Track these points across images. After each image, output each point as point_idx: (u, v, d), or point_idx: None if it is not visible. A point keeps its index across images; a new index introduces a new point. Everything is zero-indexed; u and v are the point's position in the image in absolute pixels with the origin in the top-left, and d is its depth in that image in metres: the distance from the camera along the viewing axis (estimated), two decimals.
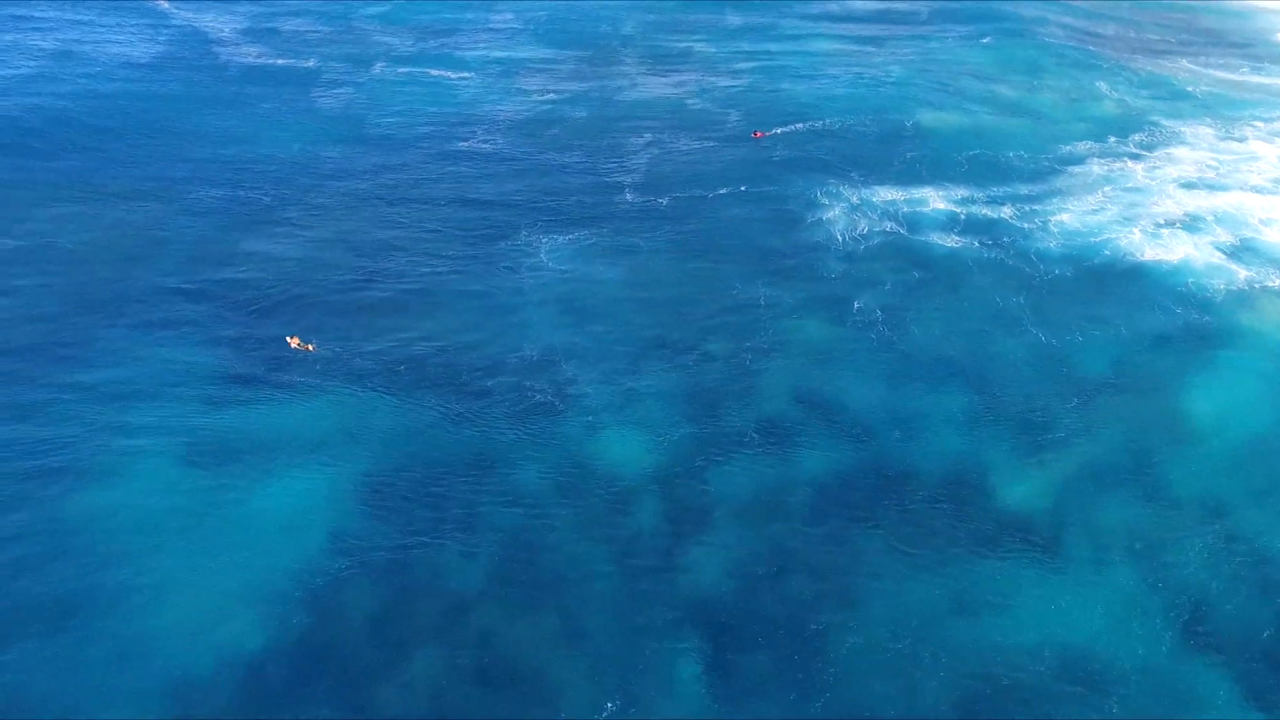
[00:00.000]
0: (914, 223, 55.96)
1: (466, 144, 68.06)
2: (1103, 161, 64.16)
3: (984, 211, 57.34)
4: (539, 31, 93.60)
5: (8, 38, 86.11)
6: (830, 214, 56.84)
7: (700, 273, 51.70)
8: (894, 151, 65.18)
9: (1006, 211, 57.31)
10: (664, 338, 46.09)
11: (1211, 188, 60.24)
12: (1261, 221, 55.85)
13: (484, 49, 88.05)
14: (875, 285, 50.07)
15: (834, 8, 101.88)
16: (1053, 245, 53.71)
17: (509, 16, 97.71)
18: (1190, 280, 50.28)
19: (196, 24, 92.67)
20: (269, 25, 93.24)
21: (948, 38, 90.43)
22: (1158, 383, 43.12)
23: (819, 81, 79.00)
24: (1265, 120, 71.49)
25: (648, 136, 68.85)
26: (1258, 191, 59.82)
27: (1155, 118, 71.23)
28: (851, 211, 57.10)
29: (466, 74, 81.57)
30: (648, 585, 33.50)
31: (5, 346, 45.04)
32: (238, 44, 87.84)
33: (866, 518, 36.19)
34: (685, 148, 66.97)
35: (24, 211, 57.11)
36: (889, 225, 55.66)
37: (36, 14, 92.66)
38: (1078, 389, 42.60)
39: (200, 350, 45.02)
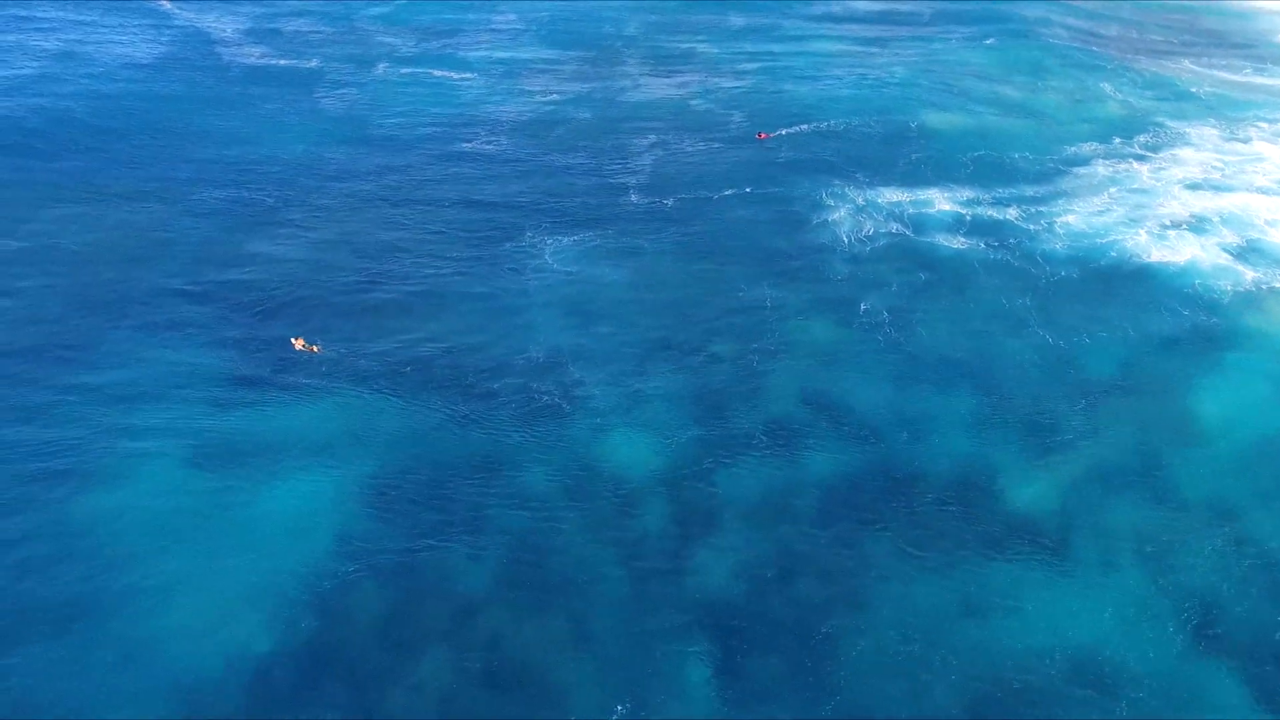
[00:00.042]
0: (919, 224, 55.89)
1: (470, 145, 67.95)
2: (1108, 163, 64.08)
3: (989, 213, 57.26)
4: (541, 32, 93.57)
5: (10, 38, 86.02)
6: (835, 215, 56.76)
7: (706, 274, 51.60)
8: (898, 153, 65.10)
9: (1012, 213, 57.24)
10: (670, 339, 45.99)
11: (1217, 189, 60.17)
12: (1267, 222, 55.76)
13: (486, 50, 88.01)
14: (881, 287, 49.99)
15: (836, 9, 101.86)
16: (1059, 247, 53.63)
17: (511, 17, 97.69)
18: (1197, 281, 50.19)
19: (199, 25, 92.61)
20: (271, 26, 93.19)
21: (951, 39, 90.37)
22: (1165, 384, 43.02)
23: (822, 83, 78.93)
24: (1269, 121, 71.44)
25: (652, 138, 68.76)
26: (1263, 192, 59.72)
27: (1159, 119, 71.16)
28: (857, 213, 57.01)
29: (469, 75, 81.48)
30: (656, 588, 33.40)
31: (9, 348, 44.89)
32: (240, 45, 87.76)
33: (874, 520, 36.10)
34: (689, 149, 66.88)
35: (27, 212, 56.94)
36: (894, 226, 55.57)
37: (39, 14, 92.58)
38: (1085, 391, 42.52)
39: (205, 352, 44.91)
